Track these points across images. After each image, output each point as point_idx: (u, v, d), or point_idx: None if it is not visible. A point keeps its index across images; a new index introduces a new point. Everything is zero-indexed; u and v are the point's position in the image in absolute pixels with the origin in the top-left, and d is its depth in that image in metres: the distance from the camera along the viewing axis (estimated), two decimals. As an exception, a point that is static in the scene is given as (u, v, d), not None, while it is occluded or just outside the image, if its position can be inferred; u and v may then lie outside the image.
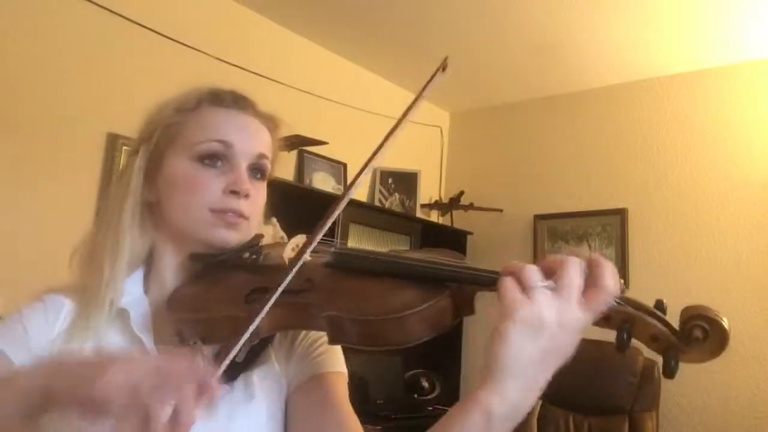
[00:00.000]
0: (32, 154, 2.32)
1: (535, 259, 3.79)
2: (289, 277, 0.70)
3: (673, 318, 0.66)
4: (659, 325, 0.63)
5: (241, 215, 0.84)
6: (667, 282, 3.27)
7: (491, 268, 0.67)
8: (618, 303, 0.64)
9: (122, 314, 0.83)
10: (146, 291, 0.87)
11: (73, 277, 0.87)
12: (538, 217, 3.74)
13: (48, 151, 2.35)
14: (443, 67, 0.84)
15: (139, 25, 2.62)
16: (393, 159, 3.77)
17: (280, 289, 0.69)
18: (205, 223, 0.84)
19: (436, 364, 3.59)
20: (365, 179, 3.72)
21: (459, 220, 3.97)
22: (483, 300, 0.72)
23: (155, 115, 0.90)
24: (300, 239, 0.84)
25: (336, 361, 0.87)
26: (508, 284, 0.62)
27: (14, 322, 0.82)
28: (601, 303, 0.62)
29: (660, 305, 0.66)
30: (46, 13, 2.38)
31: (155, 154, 0.88)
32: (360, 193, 3.58)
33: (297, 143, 3.02)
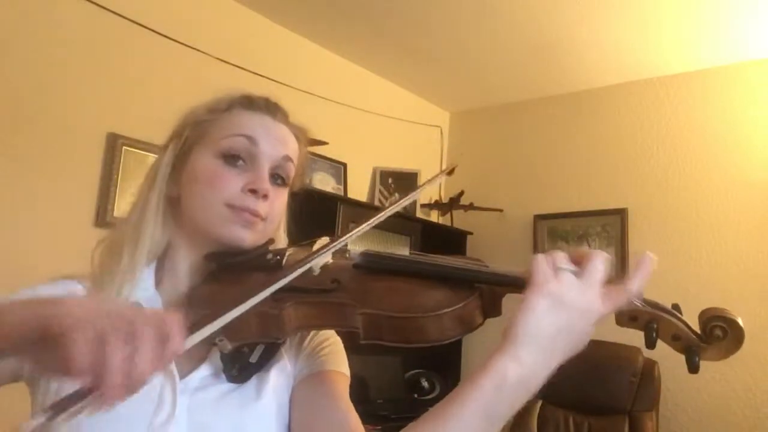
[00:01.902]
0: (32, 153, 2.31)
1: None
2: (302, 269, 0.70)
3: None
4: (681, 325, 0.69)
5: (257, 215, 0.84)
6: (667, 282, 3.27)
7: (514, 271, 0.72)
8: (644, 305, 0.69)
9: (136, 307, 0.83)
10: (157, 286, 0.87)
11: (92, 267, 0.87)
12: (538, 217, 3.74)
13: (48, 151, 2.35)
14: (449, 171, 0.91)
15: (140, 25, 2.62)
16: (393, 159, 3.77)
17: (287, 279, 0.69)
18: (220, 218, 0.84)
19: (436, 364, 3.59)
20: (366, 179, 3.72)
21: (459, 220, 3.97)
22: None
23: (188, 114, 0.91)
24: (324, 241, 0.85)
25: (340, 362, 0.89)
26: (541, 261, 0.67)
27: (27, 295, 0.80)
28: (621, 301, 0.67)
29: (677, 308, 0.71)
30: (46, 13, 2.38)
31: (183, 149, 0.89)
32: (360, 193, 3.58)
33: (297, 143, 3.01)
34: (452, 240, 3.84)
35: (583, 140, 3.71)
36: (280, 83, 3.07)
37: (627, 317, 0.69)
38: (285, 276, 0.70)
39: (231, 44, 2.93)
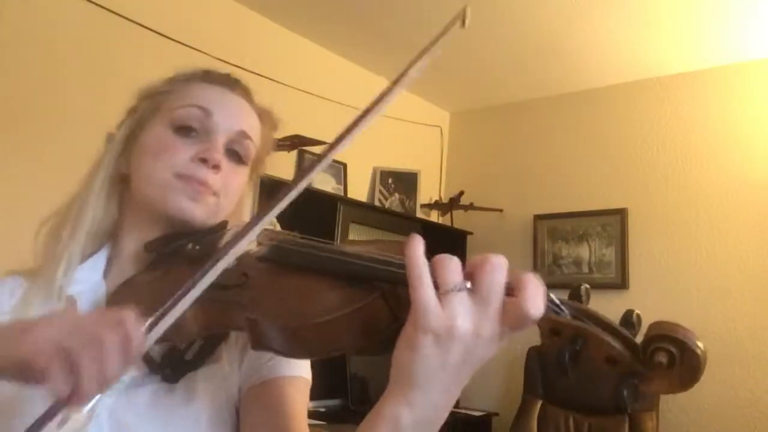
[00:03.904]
0: (32, 153, 2.32)
1: (535, 260, 3.74)
2: (214, 266, 0.60)
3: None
4: (618, 345, 0.52)
5: (206, 185, 0.79)
6: (666, 282, 3.28)
7: None
8: (570, 314, 0.54)
9: (70, 302, 0.79)
10: (106, 276, 0.82)
11: (35, 254, 0.84)
12: (538, 217, 3.74)
13: (48, 150, 2.35)
14: (462, 19, 0.70)
15: (139, 25, 2.62)
16: (393, 159, 3.77)
17: (203, 282, 0.59)
18: (167, 187, 0.78)
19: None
20: (366, 179, 3.71)
21: (459, 220, 3.97)
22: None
23: (144, 88, 0.88)
24: (237, 228, 0.76)
25: (293, 364, 0.78)
26: (422, 283, 0.52)
27: None
28: (521, 323, 0.52)
29: (629, 317, 0.54)
30: (46, 13, 2.38)
31: (137, 123, 0.85)
32: (360, 193, 3.58)
33: (297, 143, 3.01)
34: (452, 240, 3.84)
35: (583, 140, 3.71)
36: (280, 83, 3.07)
37: (548, 330, 0.53)
38: (199, 277, 0.60)
39: (231, 44, 2.93)
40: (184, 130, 0.81)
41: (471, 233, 3.91)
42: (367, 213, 3.47)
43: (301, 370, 0.79)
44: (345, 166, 3.44)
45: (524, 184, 3.88)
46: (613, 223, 3.49)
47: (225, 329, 0.76)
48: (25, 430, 0.53)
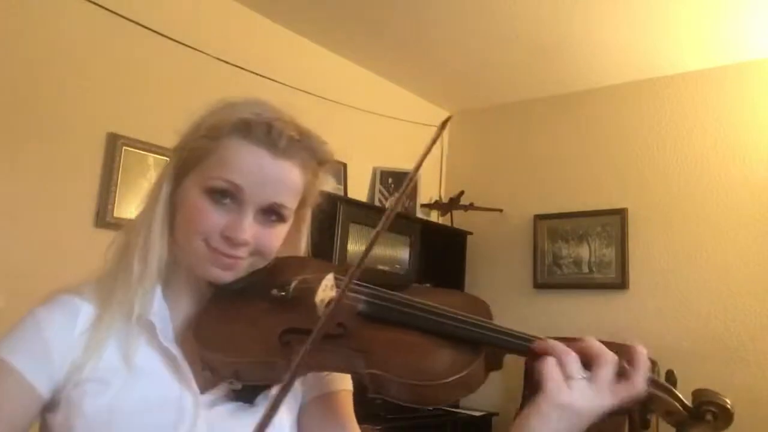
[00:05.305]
0: (32, 153, 2.31)
1: (535, 260, 3.72)
2: (320, 326, 0.66)
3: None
4: (676, 404, 0.74)
5: (235, 258, 0.82)
6: (667, 282, 3.27)
7: (521, 332, 0.74)
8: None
9: (148, 326, 0.82)
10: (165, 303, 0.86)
11: (103, 271, 0.85)
12: (538, 217, 3.74)
13: (48, 150, 2.35)
14: (443, 125, 0.83)
15: (140, 25, 2.62)
16: (393, 159, 3.77)
17: (314, 334, 0.65)
18: (199, 255, 0.82)
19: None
20: (366, 179, 3.72)
21: (459, 220, 3.97)
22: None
23: (190, 130, 0.87)
24: (329, 280, 0.81)
25: (345, 379, 0.92)
26: (552, 369, 0.70)
27: (31, 332, 0.79)
28: (628, 396, 0.71)
29: (671, 377, 0.76)
30: (46, 13, 2.38)
31: (181, 169, 0.86)
32: (360, 193, 3.58)
33: (297, 143, 3.01)
34: (452, 240, 3.84)
35: (583, 140, 3.71)
36: (280, 83, 3.06)
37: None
38: (314, 328, 0.66)
39: (231, 44, 2.93)
40: (218, 195, 0.81)
41: (471, 233, 3.91)
42: (367, 213, 3.47)
43: (350, 384, 0.92)
44: (345, 166, 3.44)
45: (524, 184, 3.88)
46: (613, 223, 3.49)
47: (332, 371, 0.86)
48: None
